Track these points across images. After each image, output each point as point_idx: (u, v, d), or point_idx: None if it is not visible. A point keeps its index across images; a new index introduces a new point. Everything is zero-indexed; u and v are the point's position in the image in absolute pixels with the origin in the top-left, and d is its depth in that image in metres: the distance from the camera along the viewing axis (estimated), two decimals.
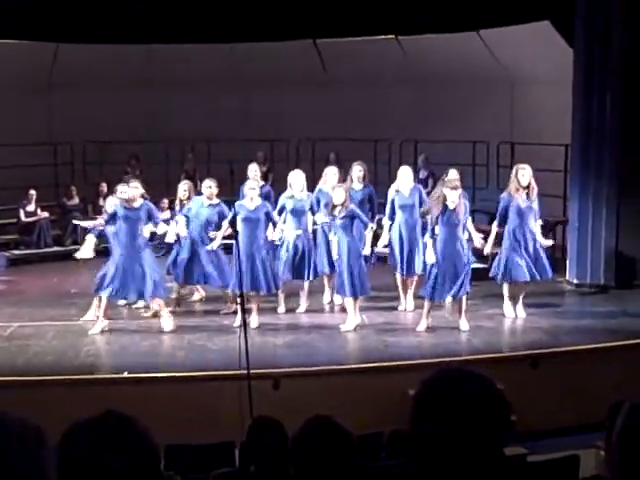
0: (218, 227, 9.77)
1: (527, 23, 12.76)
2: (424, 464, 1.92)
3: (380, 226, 10.26)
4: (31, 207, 13.73)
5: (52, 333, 9.29)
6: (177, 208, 10.46)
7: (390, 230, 9.97)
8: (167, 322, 9.25)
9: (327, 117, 15.20)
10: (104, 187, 13.92)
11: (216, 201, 9.99)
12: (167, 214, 10.75)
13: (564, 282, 11.30)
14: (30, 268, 12.91)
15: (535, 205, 9.51)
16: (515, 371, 7.87)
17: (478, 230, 9.61)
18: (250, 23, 13.79)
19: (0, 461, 1.35)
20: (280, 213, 9.84)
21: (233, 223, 9.02)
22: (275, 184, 12.54)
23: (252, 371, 6.89)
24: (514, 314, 9.60)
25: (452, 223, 8.93)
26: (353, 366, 8.11)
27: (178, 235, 9.94)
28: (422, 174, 13.85)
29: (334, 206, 9.11)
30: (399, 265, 9.94)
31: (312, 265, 9.85)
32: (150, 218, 9.35)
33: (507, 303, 9.64)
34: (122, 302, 9.93)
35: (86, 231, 10.41)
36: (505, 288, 9.63)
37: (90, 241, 9.98)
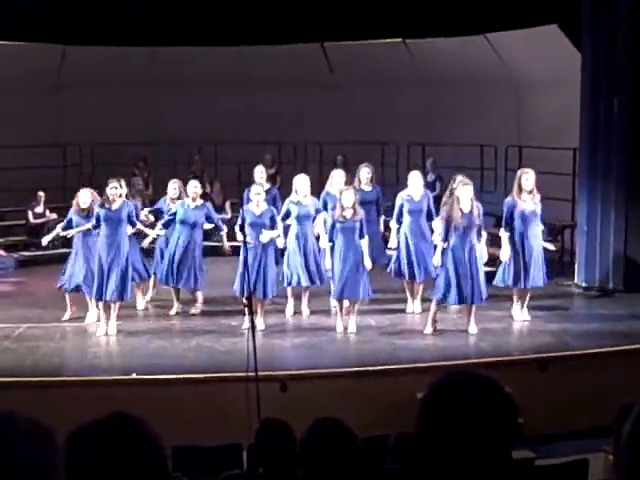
0: (217, 229, 9.99)
1: (534, 27, 12.75)
2: (430, 467, 1.92)
3: (387, 228, 10.29)
4: (40, 209, 13.76)
5: (60, 334, 9.32)
6: (167, 207, 10.49)
7: (398, 234, 9.98)
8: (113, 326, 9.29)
9: (335, 120, 15.20)
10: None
11: (200, 202, 10.06)
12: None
13: (572, 285, 11.28)
14: (38, 269, 12.92)
15: (539, 210, 9.50)
16: (523, 374, 7.85)
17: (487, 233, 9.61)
18: (258, 26, 13.82)
19: (8, 460, 1.35)
20: (285, 218, 9.86)
21: (242, 228, 9.05)
22: (282, 186, 12.55)
23: (260, 373, 6.89)
24: (522, 317, 9.59)
25: (465, 226, 8.91)
26: (361, 369, 8.11)
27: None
28: (430, 177, 13.85)
29: (343, 208, 9.09)
30: (406, 270, 9.93)
31: (319, 269, 9.84)
32: (130, 219, 9.39)
33: (516, 306, 9.65)
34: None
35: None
36: (515, 291, 9.62)
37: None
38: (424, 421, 1.93)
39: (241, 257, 9.13)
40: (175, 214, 9.90)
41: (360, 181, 10.40)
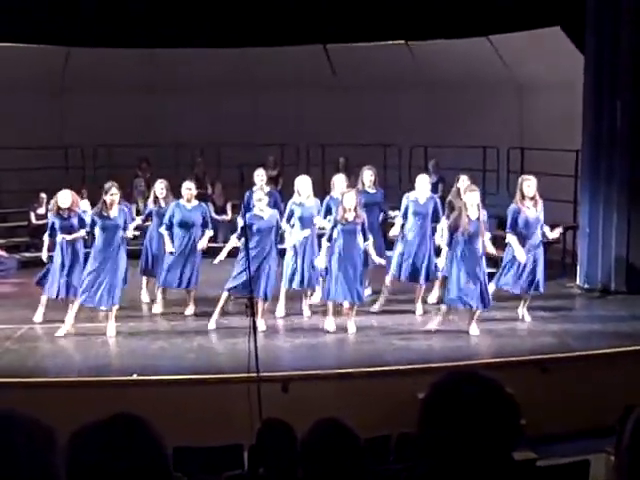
0: (202, 227, 9.95)
1: (537, 29, 12.75)
2: (432, 467, 1.92)
3: (387, 217, 10.39)
4: (42, 210, 13.76)
5: (62, 335, 9.32)
6: (152, 206, 10.49)
7: (403, 229, 10.00)
8: (111, 328, 9.29)
9: (337, 122, 15.20)
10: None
11: (195, 202, 10.06)
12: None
13: (574, 287, 11.29)
14: (40, 271, 12.92)
15: (541, 216, 9.53)
16: (525, 375, 7.85)
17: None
18: (261, 28, 13.83)
19: (7, 459, 1.35)
20: (289, 220, 9.87)
21: (243, 235, 9.08)
22: (285, 188, 12.55)
23: (261, 374, 6.89)
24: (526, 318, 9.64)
25: (472, 233, 8.94)
26: (362, 369, 8.11)
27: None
28: (432, 179, 13.84)
29: (345, 210, 9.10)
30: (407, 271, 9.95)
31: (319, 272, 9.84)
32: (125, 224, 9.39)
33: (521, 306, 9.69)
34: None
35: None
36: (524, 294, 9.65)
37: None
38: (426, 421, 1.93)
39: (240, 259, 9.18)
40: (173, 217, 9.92)
41: (363, 183, 10.45)
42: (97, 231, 9.27)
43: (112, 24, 13.38)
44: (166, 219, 9.97)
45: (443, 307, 9.25)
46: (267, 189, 10.33)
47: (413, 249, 9.94)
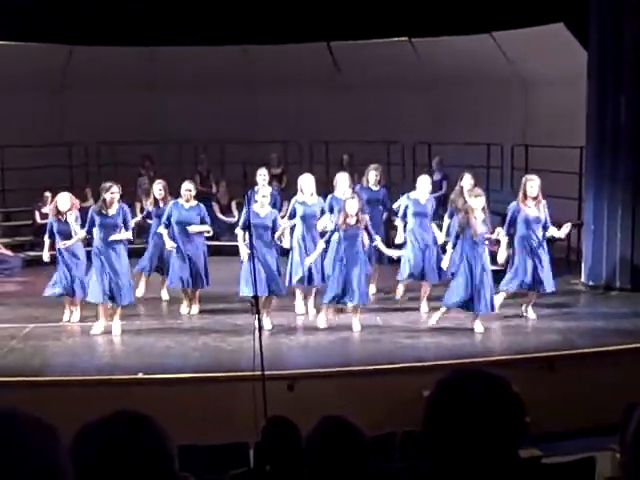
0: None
1: (541, 25, 12.73)
2: (437, 465, 1.92)
3: (391, 225, 10.39)
4: (46, 209, 13.76)
5: (67, 334, 9.35)
6: (151, 208, 10.51)
7: (405, 231, 10.02)
8: (99, 326, 9.31)
9: (340, 119, 15.20)
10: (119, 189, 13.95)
11: (194, 202, 10.09)
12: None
13: (579, 284, 11.28)
14: (45, 269, 12.94)
15: (543, 215, 9.50)
16: (531, 373, 7.84)
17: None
18: (264, 25, 13.82)
19: (14, 454, 1.35)
20: (291, 217, 9.88)
21: (247, 228, 9.10)
22: (288, 186, 12.55)
23: (266, 372, 6.90)
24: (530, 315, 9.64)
25: (478, 234, 8.97)
26: (367, 367, 8.11)
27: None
28: (436, 176, 13.86)
29: (347, 215, 9.10)
30: (416, 271, 9.97)
31: (322, 270, 9.84)
32: (124, 223, 9.39)
33: (527, 304, 9.70)
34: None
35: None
36: (502, 295, 9.63)
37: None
38: (431, 419, 1.93)
39: (245, 258, 9.19)
40: (170, 217, 9.94)
41: (368, 181, 10.55)
42: (96, 230, 9.28)
43: (113, 22, 13.39)
44: (164, 218, 10.02)
45: (443, 308, 9.24)
46: (269, 189, 10.33)
47: (417, 250, 9.95)
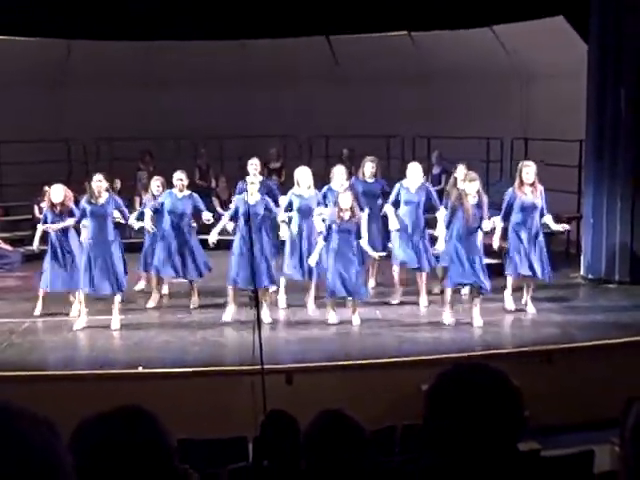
0: (195, 217, 10.04)
1: (540, 18, 12.71)
2: (437, 458, 1.92)
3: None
4: (45, 204, 13.76)
5: (66, 329, 9.34)
6: (148, 202, 10.52)
7: (397, 218, 10.02)
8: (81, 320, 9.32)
9: (340, 113, 15.18)
10: (118, 184, 13.97)
11: (187, 192, 10.10)
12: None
13: (578, 277, 11.28)
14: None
15: (539, 202, 9.49)
16: (529, 366, 7.85)
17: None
18: (262, 19, 13.80)
19: (13, 444, 1.35)
20: (288, 210, 9.88)
21: (235, 218, 9.25)
22: (288, 180, 12.53)
23: (265, 366, 6.90)
24: (514, 307, 9.63)
25: (473, 218, 8.96)
26: (366, 361, 8.11)
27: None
28: (435, 170, 13.87)
29: (341, 209, 9.10)
30: (407, 259, 9.98)
31: (318, 264, 9.84)
32: (121, 214, 9.44)
33: (507, 295, 9.66)
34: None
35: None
36: (508, 280, 9.64)
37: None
38: (431, 412, 1.92)
39: (236, 248, 9.23)
40: (163, 204, 9.95)
41: (364, 174, 10.54)
42: (88, 220, 9.31)
43: (112, 17, 13.36)
44: (157, 204, 10.05)
45: (447, 295, 9.22)
46: (260, 178, 10.36)
47: (406, 237, 9.95)
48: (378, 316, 9.64)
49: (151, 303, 10.20)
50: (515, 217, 9.52)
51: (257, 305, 7.20)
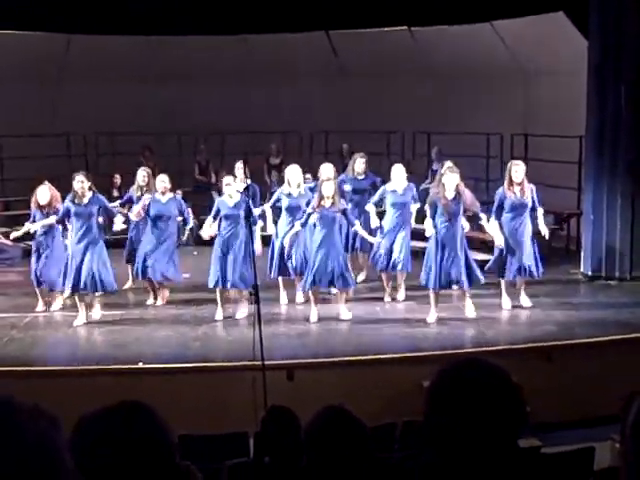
0: (182, 219, 10.05)
1: (541, 14, 12.70)
2: (437, 454, 1.92)
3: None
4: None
5: (67, 324, 9.35)
6: (136, 194, 10.50)
7: (378, 217, 10.05)
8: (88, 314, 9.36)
9: (340, 109, 15.17)
10: (118, 179, 13.98)
11: (170, 195, 10.07)
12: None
13: (578, 274, 11.27)
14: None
15: (528, 201, 9.48)
16: (529, 363, 7.85)
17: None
18: (263, 14, 13.78)
19: (13, 439, 1.35)
20: (274, 207, 9.91)
21: (216, 218, 9.34)
22: None
23: (266, 362, 6.90)
24: (510, 305, 9.61)
25: (451, 212, 8.95)
26: (367, 357, 8.12)
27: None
28: (435, 166, 13.84)
29: (322, 197, 9.09)
30: (385, 262, 9.98)
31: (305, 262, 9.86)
32: (106, 212, 9.42)
33: (503, 295, 9.64)
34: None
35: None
36: (502, 283, 9.64)
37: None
38: (431, 408, 1.93)
39: (216, 248, 9.28)
40: (148, 207, 9.94)
41: (354, 170, 10.59)
42: (72, 220, 9.30)
43: (112, 12, 13.34)
44: (144, 206, 10.00)
45: (431, 295, 9.20)
46: (248, 181, 10.37)
47: (390, 241, 9.94)
48: (378, 312, 9.64)
49: (150, 301, 10.20)
50: (505, 216, 9.54)
51: (258, 301, 7.20)
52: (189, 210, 10.60)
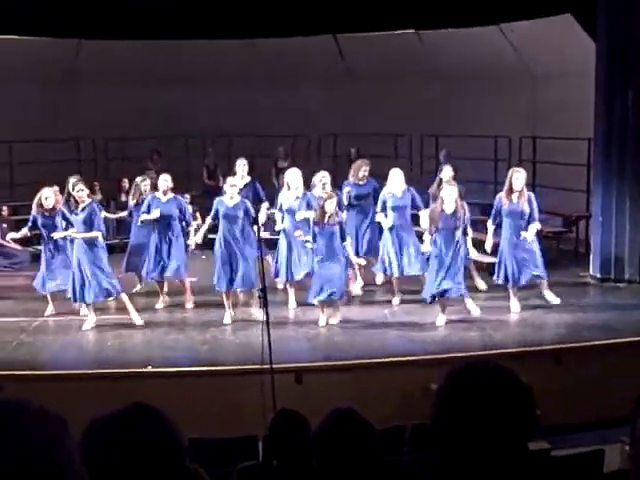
0: (181, 219, 10.05)
1: (548, 16, 12.68)
2: (447, 458, 1.92)
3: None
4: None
5: (76, 327, 9.37)
6: (135, 201, 10.52)
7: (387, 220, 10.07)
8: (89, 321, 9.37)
9: (347, 112, 15.17)
10: (126, 183, 14.00)
11: (171, 195, 10.08)
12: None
13: (587, 277, 11.24)
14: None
15: (526, 208, 9.46)
16: (539, 366, 7.83)
17: None
18: (270, 19, 13.80)
19: (21, 445, 1.36)
20: (280, 210, 10.01)
21: (216, 218, 9.38)
22: None
23: (275, 365, 6.91)
24: (519, 308, 9.61)
25: (447, 227, 8.97)
26: (375, 360, 8.11)
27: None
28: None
29: (324, 213, 9.09)
30: (388, 266, 10.00)
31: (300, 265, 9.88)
32: (92, 222, 9.32)
33: (513, 299, 9.64)
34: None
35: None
36: (510, 290, 9.64)
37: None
38: (440, 411, 1.92)
39: (217, 250, 9.32)
40: (149, 207, 9.95)
41: (357, 176, 10.62)
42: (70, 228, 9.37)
43: (120, 17, 13.38)
44: (144, 208, 10.04)
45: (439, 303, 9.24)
46: (248, 179, 10.38)
47: (396, 244, 9.95)
48: (387, 315, 9.64)
49: (160, 305, 10.21)
50: (504, 224, 9.58)
51: (266, 304, 7.21)
52: (193, 212, 10.62)
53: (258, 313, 9.25)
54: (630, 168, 10.81)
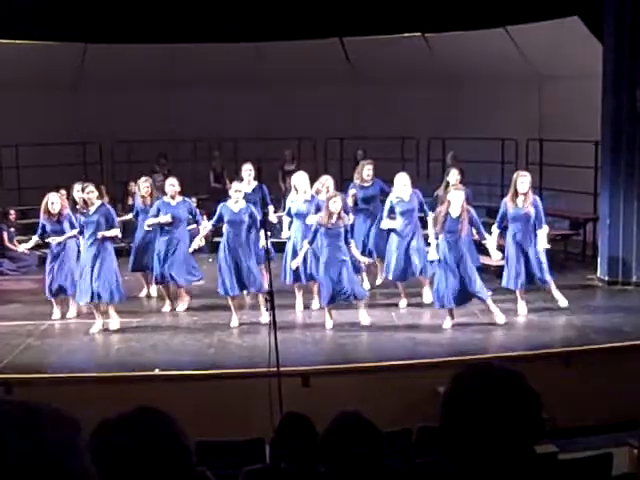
0: (189, 223, 10.12)
1: (555, 19, 12.66)
2: (454, 461, 1.91)
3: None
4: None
5: (83, 331, 9.39)
6: (139, 203, 10.54)
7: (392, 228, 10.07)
8: (115, 322, 9.40)
9: (354, 115, 15.17)
10: (133, 187, 14.03)
11: (180, 198, 10.09)
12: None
13: (595, 279, 11.21)
14: None
15: (531, 211, 9.45)
16: (547, 368, 7.82)
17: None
18: (277, 22, 13.82)
19: (36, 446, 1.36)
20: (288, 215, 10.02)
21: (218, 223, 9.43)
22: None
23: (282, 368, 6.91)
24: (526, 311, 9.60)
25: (453, 231, 8.96)
26: (382, 363, 8.10)
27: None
28: None
29: (330, 214, 9.08)
30: (394, 271, 10.00)
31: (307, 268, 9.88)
32: (108, 221, 9.38)
33: (520, 302, 9.62)
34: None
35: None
36: (517, 294, 9.62)
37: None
38: (447, 414, 1.92)
39: (221, 255, 9.33)
40: (158, 212, 9.96)
41: (362, 178, 10.60)
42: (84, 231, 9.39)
43: (127, 20, 13.41)
44: (151, 213, 10.05)
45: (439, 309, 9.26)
46: (255, 184, 10.40)
47: (404, 249, 9.94)
48: (394, 319, 9.63)
49: (166, 308, 10.23)
50: (510, 228, 9.57)
51: (273, 307, 7.20)
52: (202, 215, 10.65)
53: (265, 315, 9.30)
54: (638, 170, 10.78)
